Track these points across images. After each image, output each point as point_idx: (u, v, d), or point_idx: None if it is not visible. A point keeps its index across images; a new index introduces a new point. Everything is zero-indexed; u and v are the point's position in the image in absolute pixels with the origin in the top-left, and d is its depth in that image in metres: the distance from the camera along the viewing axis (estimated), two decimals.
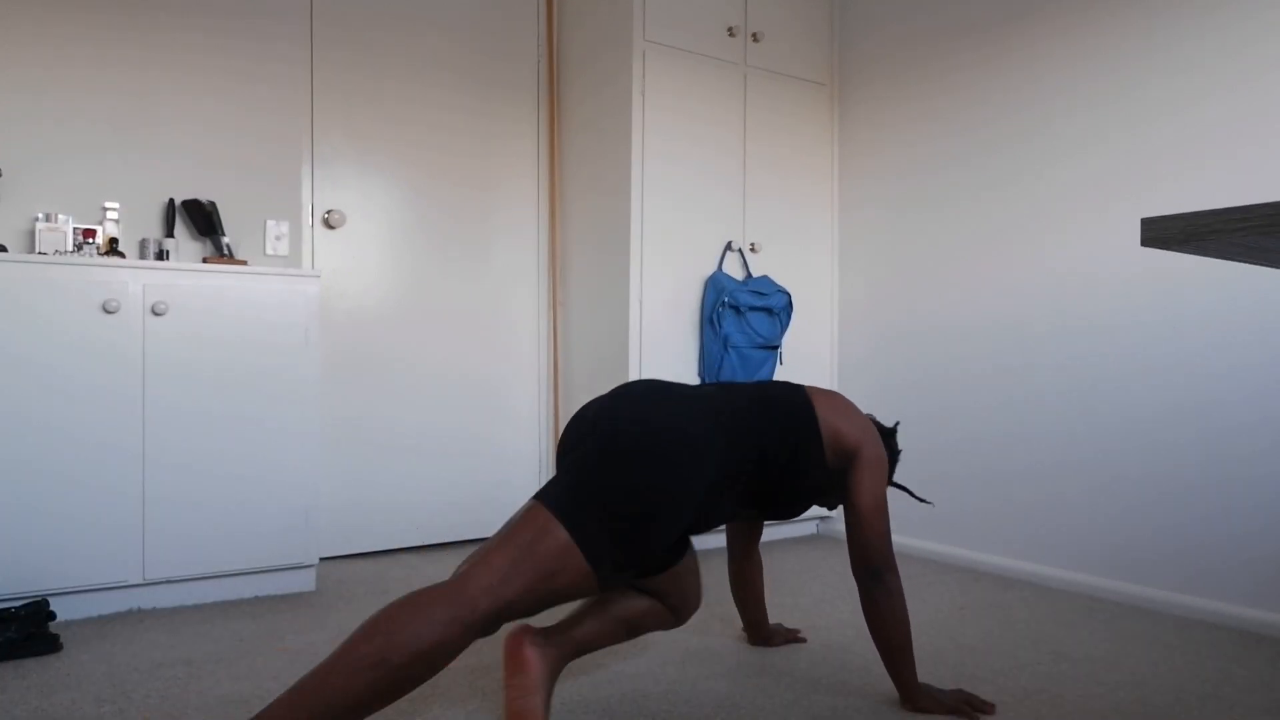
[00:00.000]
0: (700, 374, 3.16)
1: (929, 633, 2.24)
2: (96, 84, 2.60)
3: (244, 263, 2.59)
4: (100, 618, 2.29)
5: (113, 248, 2.48)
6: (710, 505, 1.61)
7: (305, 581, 2.59)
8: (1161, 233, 0.93)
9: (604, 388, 3.15)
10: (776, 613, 2.41)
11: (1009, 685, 1.87)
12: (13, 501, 2.18)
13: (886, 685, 1.86)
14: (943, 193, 3.11)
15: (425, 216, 3.21)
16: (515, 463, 3.39)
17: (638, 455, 1.47)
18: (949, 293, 3.08)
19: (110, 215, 2.52)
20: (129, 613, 2.34)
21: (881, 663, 1.99)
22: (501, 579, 1.37)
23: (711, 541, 3.30)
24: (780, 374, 3.35)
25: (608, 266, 3.13)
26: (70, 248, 2.43)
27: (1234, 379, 2.35)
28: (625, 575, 1.50)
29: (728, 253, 3.23)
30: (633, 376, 3.03)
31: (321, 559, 3.01)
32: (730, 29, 3.22)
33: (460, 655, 2.03)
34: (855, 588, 2.69)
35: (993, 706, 1.71)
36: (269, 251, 2.86)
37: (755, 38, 3.28)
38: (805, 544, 3.36)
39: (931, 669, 1.97)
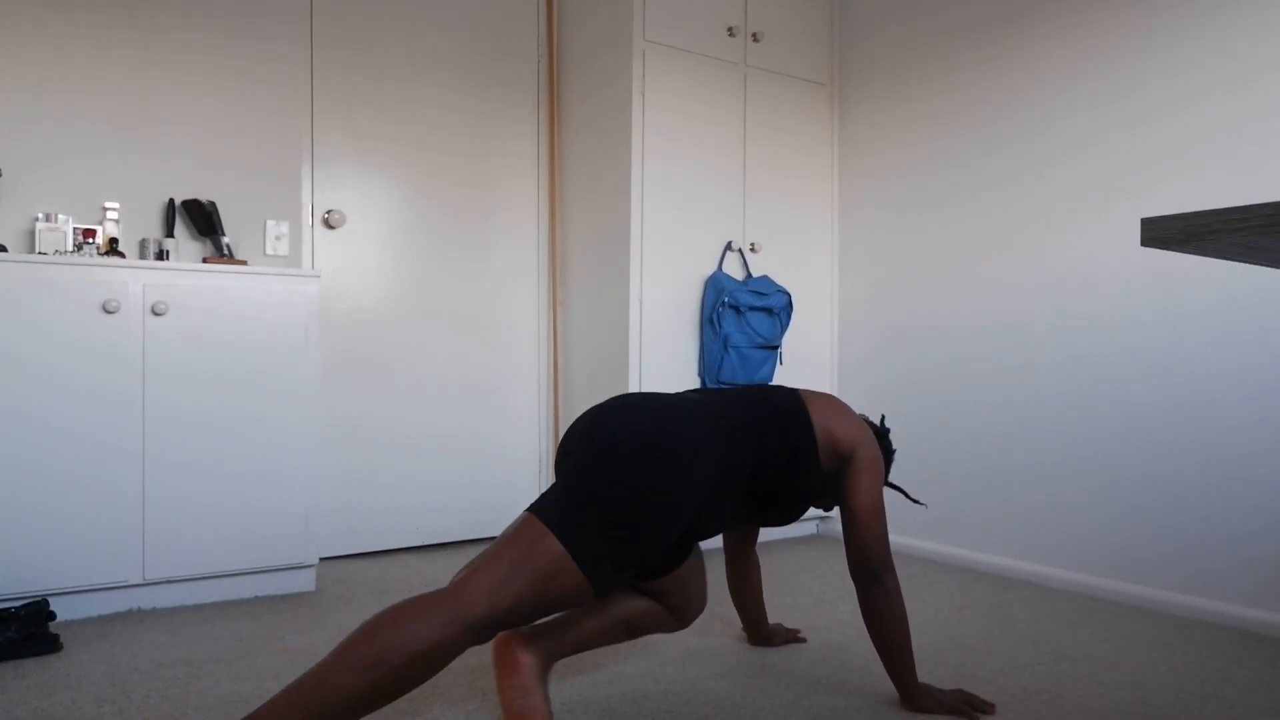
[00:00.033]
0: (700, 374, 3.16)
1: (929, 633, 2.24)
2: (96, 84, 2.60)
3: (244, 263, 2.59)
4: (100, 618, 2.29)
5: (113, 248, 2.48)
6: (711, 506, 1.61)
7: (305, 581, 2.59)
8: (1161, 233, 0.93)
9: (604, 388, 3.15)
10: (776, 613, 2.41)
11: (1009, 685, 1.87)
12: (13, 501, 2.18)
13: (886, 685, 1.86)
14: (943, 193, 3.11)
15: (425, 216, 3.21)
16: (515, 463, 3.39)
17: (638, 458, 1.47)
18: (949, 293, 3.08)
19: (110, 215, 2.52)
20: (129, 613, 2.34)
21: (881, 663, 1.99)
22: (499, 583, 1.37)
23: (714, 541, 3.30)
24: (780, 374, 3.35)
25: (608, 266, 3.13)
26: (70, 248, 2.43)
27: (1234, 379, 2.35)
28: (625, 576, 1.50)
29: (728, 253, 3.23)
30: (633, 377, 3.03)
31: (321, 559, 3.01)
32: (730, 29, 3.22)
33: (459, 656, 2.02)
34: (855, 588, 2.69)
35: (993, 706, 1.71)
36: (269, 251, 2.86)
37: (755, 38, 3.28)
38: (805, 544, 3.36)
39: (931, 669, 1.97)
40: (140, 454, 2.32)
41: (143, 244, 2.58)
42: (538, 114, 3.44)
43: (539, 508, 1.46)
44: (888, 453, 1.98)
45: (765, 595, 2.60)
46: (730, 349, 3.09)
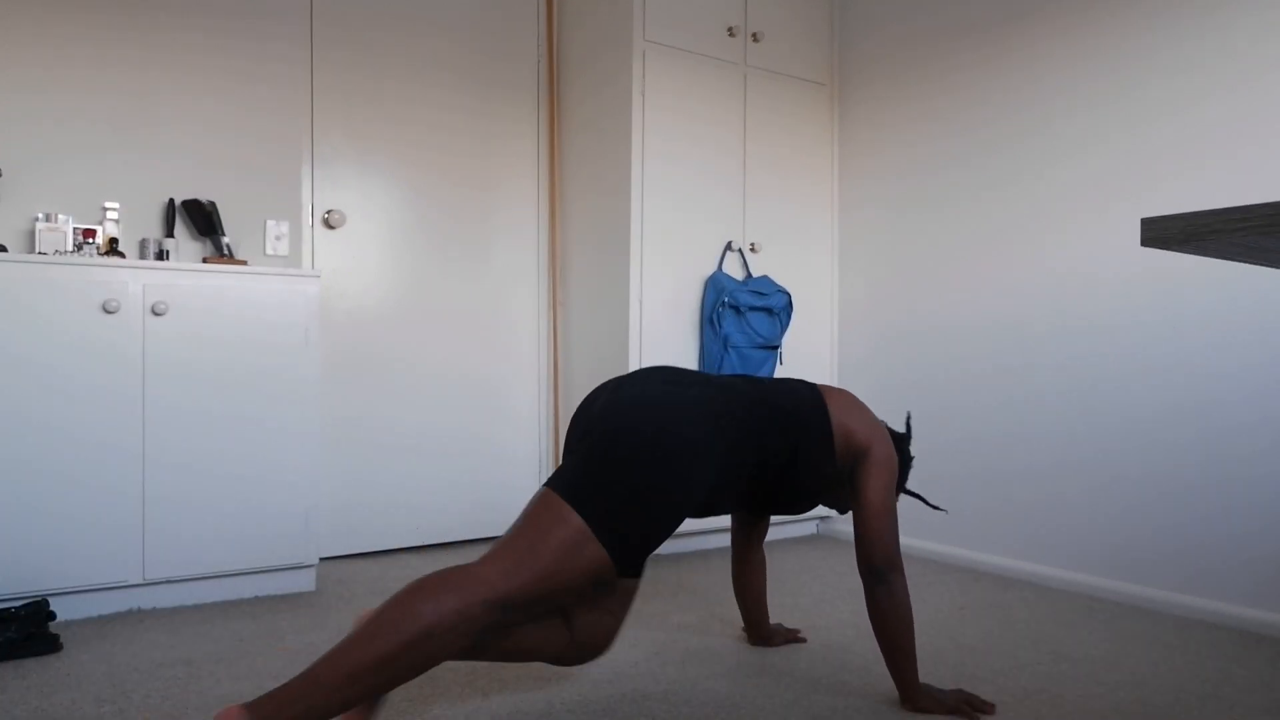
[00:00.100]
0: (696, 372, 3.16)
1: (929, 633, 2.24)
2: (96, 84, 2.60)
3: (244, 263, 2.59)
4: (100, 618, 2.29)
5: (113, 248, 2.48)
6: (710, 505, 1.65)
7: (305, 581, 2.59)
8: (1161, 233, 0.93)
9: None
10: (776, 613, 2.42)
11: (1009, 685, 1.87)
12: (13, 501, 2.18)
13: (886, 685, 1.86)
14: (943, 193, 3.11)
15: (425, 216, 3.21)
16: (515, 463, 3.39)
17: (639, 458, 1.47)
18: (949, 293, 3.08)
19: (110, 215, 2.52)
20: (129, 613, 2.34)
21: (882, 662, 1.99)
22: (519, 560, 1.39)
23: (713, 542, 3.30)
24: (780, 374, 3.35)
25: (608, 266, 3.13)
26: (70, 248, 2.43)
27: (1234, 379, 2.35)
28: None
29: (728, 253, 3.23)
30: None
31: (321, 559, 3.01)
32: (730, 29, 3.22)
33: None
34: (855, 588, 2.69)
35: (993, 706, 1.71)
36: (269, 251, 2.86)
37: (755, 38, 3.28)
38: (805, 544, 3.36)
39: (931, 669, 1.97)
40: (140, 454, 2.32)
41: (143, 244, 2.58)
42: (538, 114, 3.44)
43: (557, 483, 1.48)
44: (905, 458, 1.96)
45: (766, 595, 2.60)
46: (730, 349, 3.09)
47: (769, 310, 3.18)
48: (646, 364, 3.05)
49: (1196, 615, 2.39)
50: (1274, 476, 2.26)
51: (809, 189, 3.45)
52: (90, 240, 2.43)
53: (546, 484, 1.50)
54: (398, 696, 1.77)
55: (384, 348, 3.13)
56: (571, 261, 3.35)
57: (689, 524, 3.13)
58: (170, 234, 2.64)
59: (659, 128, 3.07)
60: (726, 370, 3.09)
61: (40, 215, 2.43)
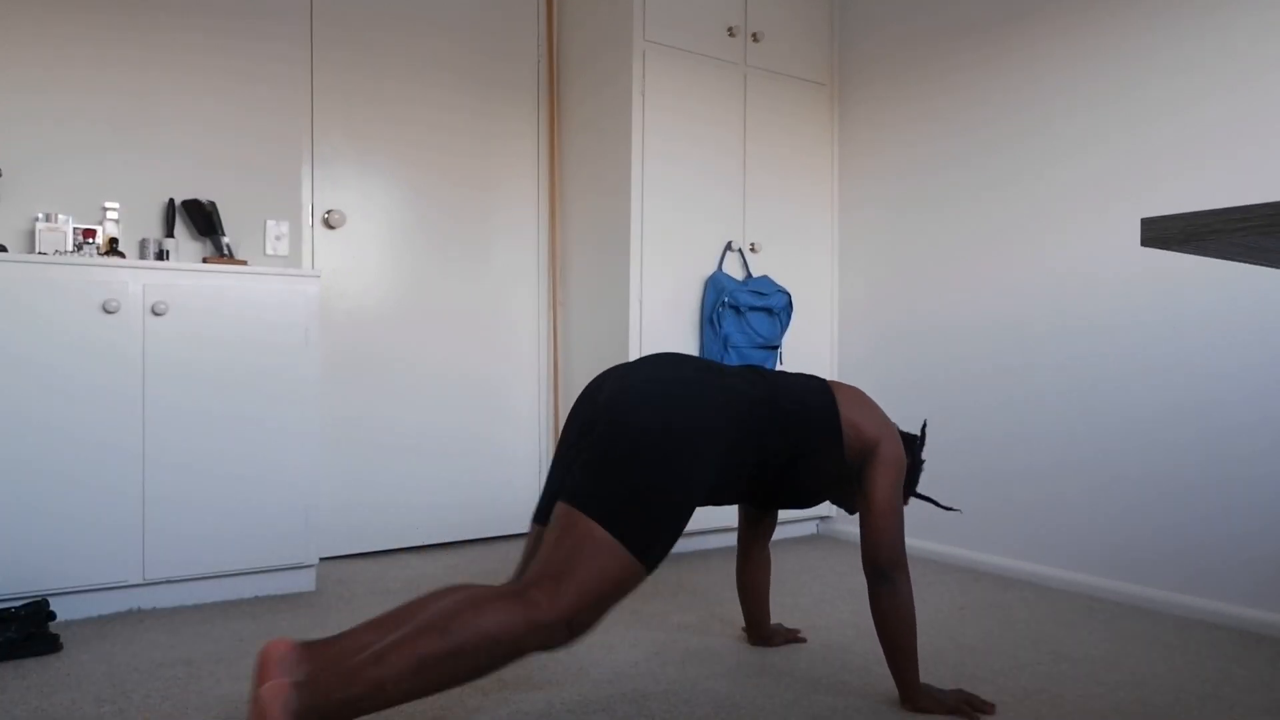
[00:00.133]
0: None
1: (929, 633, 2.24)
2: (96, 84, 2.60)
3: (244, 263, 2.59)
4: (100, 618, 2.29)
5: (113, 248, 2.48)
6: (711, 502, 1.65)
7: (305, 581, 2.59)
8: (1161, 233, 0.93)
9: None
10: (776, 613, 2.41)
11: (1009, 685, 1.87)
12: (13, 501, 2.18)
13: (886, 685, 1.86)
14: (943, 193, 3.11)
15: (425, 216, 3.21)
16: (515, 463, 3.39)
17: (640, 457, 1.47)
18: (949, 293, 3.08)
19: (110, 215, 2.52)
20: (129, 613, 2.34)
21: (882, 662, 1.99)
22: (559, 584, 1.40)
23: (714, 542, 3.30)
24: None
25: (608, 266, 3.13)
26: (70, 248, 2.43)
27: (1234, 379, 2.35)
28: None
29: (728, 253, 3.23)
30: None
31: (321, 559, 3.01)
32: (730, 29, 3.22)
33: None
34: (855, 588, 2.69)
35: (993, 706, 1.71)
36: (269, 251, 2.86)
37: (755, 38, 3.28)
38: (805, 544, 3.36)
39: (931, 669, 1.97)
40: (140, 454, 2.32)
41: (143, 244, 2.58)
42: (538, 114, 3.44)
43: (573, 498, 1.48)
44: (916, 461, 1.95)
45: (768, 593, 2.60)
46: (730, 349, 3.09)
47: (769, 310, 3.19)
48: None
49: (1196, 615, 2.39)
50: (1274, 476, 2.26)
51: (809, 189, 3.45)
52: (90, 240, 2.43)
53: (565, 499, 1.48)
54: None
55: (384, 348, 3.13)
56: (571, 261, 3.35)
57: (689, 524, 3.14)
58: (170, 234, 2.64)
59: (659, 128, 3.07)
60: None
61: (40, 215, 2.43)
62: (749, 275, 3.26)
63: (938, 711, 1.70)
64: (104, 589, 2.31)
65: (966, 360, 3.02)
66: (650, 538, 1.45)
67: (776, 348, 3.22)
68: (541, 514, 1.61)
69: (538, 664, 1.97)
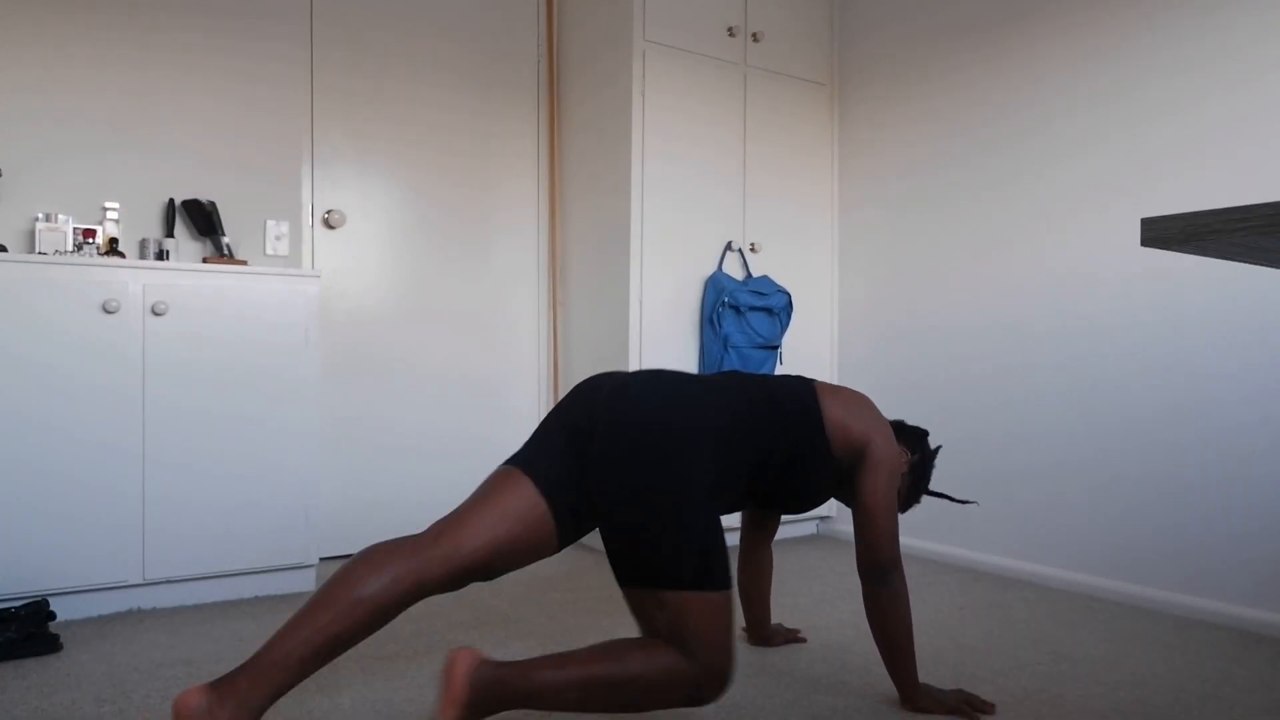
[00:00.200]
0: (700, 374, 3.16)
1: (929, 633, 2.24)
2: (96, 84, 2.60)
3: (244, 263, 2.59)
4: (100, 618, 2.29)
5: (113, 248, 2.48)
6: (715, 501, 1.64)
7: (305, 581, 2.59)
8: (1161, 233, 0.93)
9: None
10: (776, 613, 2.42)
11: (1009, 685, 1.87)
12: (13, 501, 2.18)
13: (886, 685, 1.86)
14: (943, 193, 3.11)
15: (425, 216, 3.21)
16: None
17: (640, 458, 1.47)
18: (949, 293, 3.08)
19: (110, 215, 2.52)
20: (129, 613, 2.34)
21: (882, 662, 1.99)
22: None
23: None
24: (781, 374, 3.35)
25: (608, 266, 3.13)
26: (70, 248, 2.43)
27: (1234, 379, 2.35)
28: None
29: (728, 253, 3.23)
30: None
31: (321, 559, 3.01)
32: (730, 29, 3.22)
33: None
34: (855, 588, 2.69)
35: (993, 706, 1.71)
36: (269, 251, 2.86)
37: (755, 38, 3.28)
38: (805, 544, 3.36)
39: (931, 669, 1.97)
40: (140, 454, 2.32)
41: (143, 244, 2.59)
42: (538, 114, 3.45)
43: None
44: (926, 456, 1.94)
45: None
46: (730, 349, 3.09)
47: (769, 310, 3.19)
48: (647, 364, 3.05)
49: (1196, 615, 2.39)
50: (1274, 476, 2.26)
51: (809, 189, 3.45)
52: (90, 240, 2.43)
53: (631, 585, 1.48)
54: (404, 696, 1.77)
55: (384, 348, 3.13)
56: (571, 261, 3.35)
57: None
58: (170, 234, 2.64)
59: (659, 128, 3.07)
60: (727, 370, 3.09)
61: (40, 215, 2.43)
62: (749, 275, 3.26)
63: (938, 711, 1.70)
64: (104, 589, 2.31)
65: (966, 360, 3.02)
66: (711, 565, 1.46)
67: (776, 348, 3.22)
68: (517, 461, 1.58)
69: None
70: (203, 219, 2.68)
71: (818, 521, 3.57)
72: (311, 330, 2.55)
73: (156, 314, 2.34)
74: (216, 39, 2.77)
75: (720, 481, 1.58)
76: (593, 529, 1.63)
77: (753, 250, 3.28)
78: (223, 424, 2.43)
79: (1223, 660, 2.05)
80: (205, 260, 2.63)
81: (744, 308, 3.12)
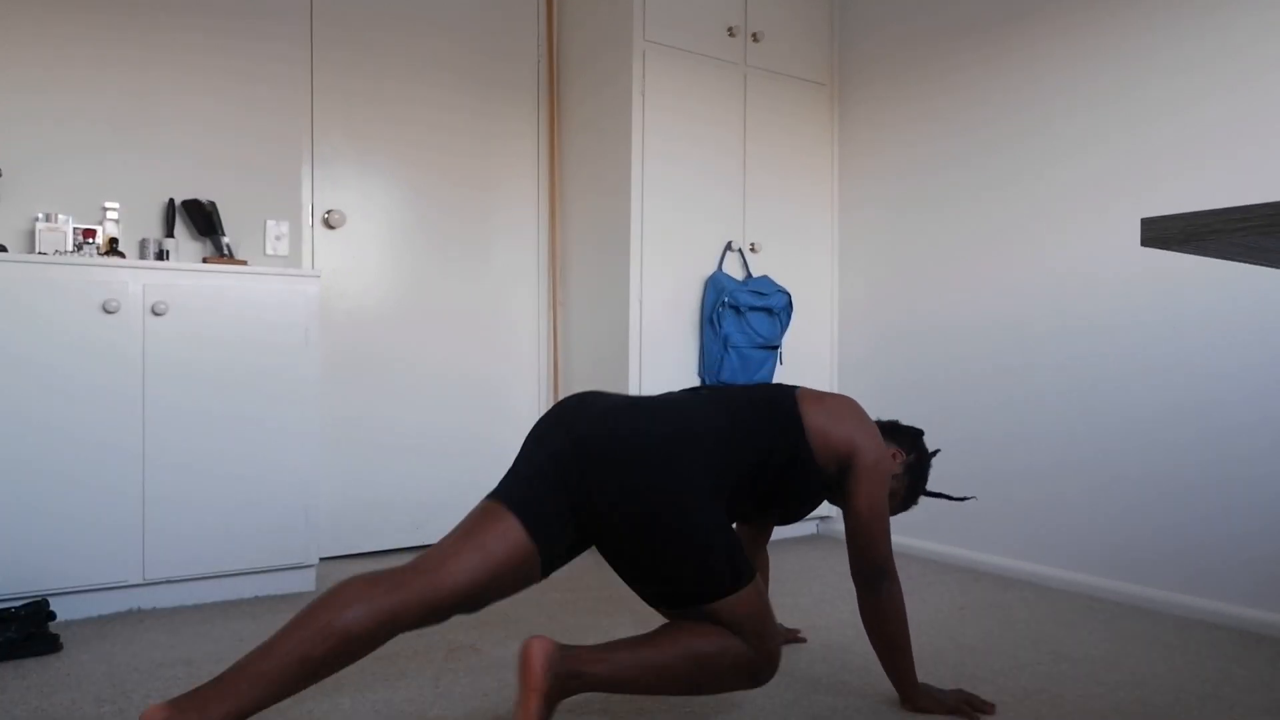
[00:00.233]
0: (700, 374, 3.16)
1: (929, 633, 2.24)
2: (96, 84, 2.60)
3: (244, 263, 2.59)
4: (100, 618, 2.29)
5: (113, 248, 2.48)
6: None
7: (305, 581, 2.59)
8: (1161, 233, 0.93)
9: (604, 388, 3.15)
10: (777, 613, 2.42)
11: (1009, 685, 1.87)
12: (13, 501, 2.18)
13: (886, 685, 1.86)
14: (943, 193, 3.11)
15: (425, 216, 3.21)
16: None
17: (635, 462, 1.47)
18: (949, 293, 3.08)
19: (110, 215, 2.52)
20: (129, 613, 2.34)
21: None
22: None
23: None
24: (780, 374, 3.35)
25: (608, 266, 3.13)
26: (70, 248, 2.43)
27: (1234, 379, 2.35)
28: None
29: (728, 253, 3.23)
30: (633, 377, 3.03)
31: (321, 559, 3.01)
32: (730, 29, 3.22)
33: (464, 657, 2.03)
34: (854, 588, 2.69)
35: (993, 706, 1.71)
36: (269, 251, 2.86)
37: (755, 38, 3.28)
38: (805, 544, 3.36)
39: (931, 669, 1.97)
40: (140, 454, 2.32)
41: (143, 244, 2.59)
42: (538, 114, 3.44)
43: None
44: (923, 457, 1.92)
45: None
46: (730, 349, 3.09)
47: (769, 310, 3.19)
48: (647, 364, 3.05)
49: (1196, 615, 2.39)
50: (1274, 476, 2.26)
51: (809, 189, 3.45)
52: (90, 240, 2.43)
53: (666, 606, 1.53)
54: (403, 696, 1.77)
55: (384, 348, 3.13)
56: (571, 261, 3.35)
57: None
58: (170, 234, 2.64)
59: (659, 128, 3.07)
60: (727, 370, 3.09)
61: (40, 215, 2.43)
62: (749, 275, 3.26)
63: (938, 711, 1.70)
64: (104, 589, 2.31)
65: (966, 360, 3.02)
66: (737, 564, 1.51)
67: (776, 348, 3.22)
68: (501, 495, 1.53)
69: None
70: (203, 219, 2.68)
71: (818, 521, 3.57)
72: (311, 330, 2.55)
73: (156, 314, 2.34)
74: (216, 39, 2.77)
75: (720, 482, 1.57)
76: (582, 552, 1.62)
77: (753, 250, 3.28)
78: (223, 424, 2.43)
79: (1223, 660, 2.05)
80: (205, 260, 2.63)
81: (744, 308, 3.12)
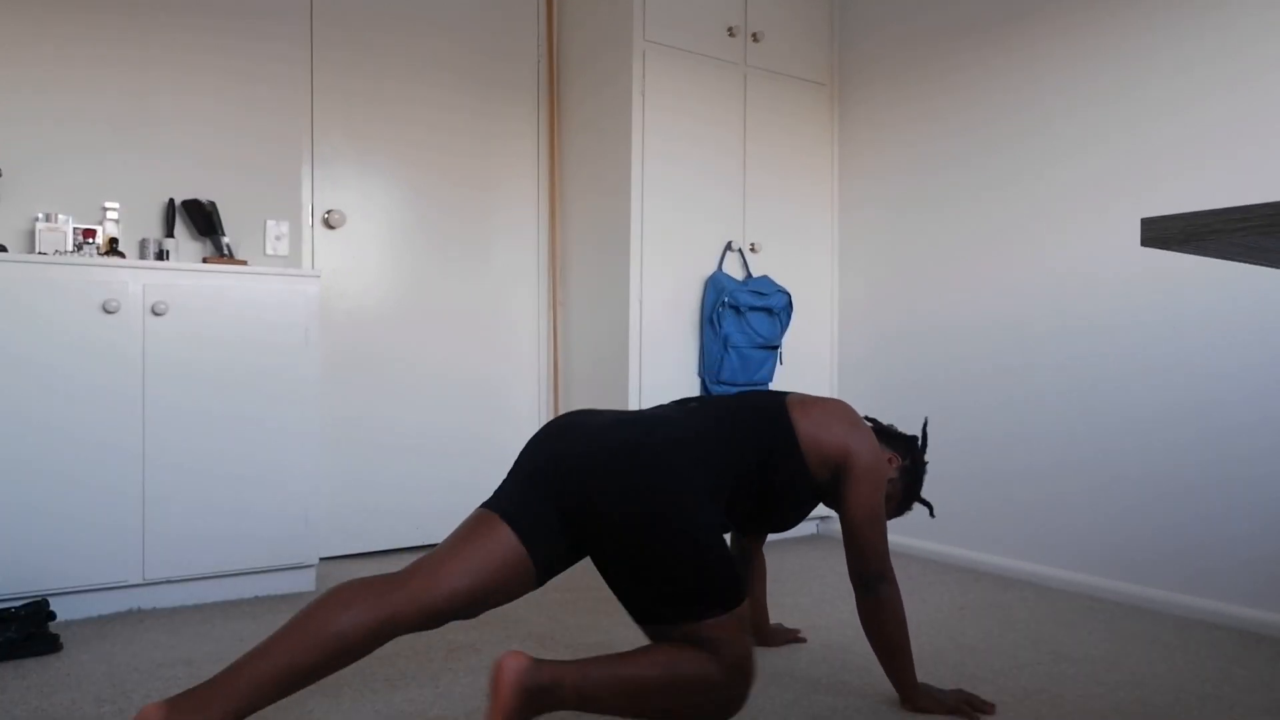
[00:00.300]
0: (700, 374, 3.16)
1: (929, 633, 2.24)
2: (96, 84, 2.60)
3: (244, 263, 2.59)
4: (100, 618, 2.29)
5: (113, 248, 2.48)
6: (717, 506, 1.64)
7: (305, 581, 2.59)
8: (1161, 233, 0.93)
9: (604, 388, 3.15)
10: (776, 613, 2.41)
11: (1009, 685, 1.87)
12: (13, 501, 2.18)
13: (886, 685, 1.86)
14: (943, 193, 3.11)
15: (425, 216, 3.21)
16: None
17: (631, 467, 1.46)
18: (949, 293, 3.08)
19: (110, 215, 2.52)
20: (129, 613, 2.34)
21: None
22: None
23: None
24: (780, 374, 3.36)
25: (608, 266, 3.13)
26: (70, 248, 2.43)
27: (1234, 379, 2.35)
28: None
29: (728, 253, 3.23)
30: (633, 377, 3.03)
31: (321, 559, 3.01)
32: (730, 29, 3.22)
33: (464, 657, 2.03)
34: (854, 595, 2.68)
35: (993, 706, 1.71)
36: (269, 251, 2.86)
37: (755, 38, 3.28)
38: (805, 544, 3.36)
39: (931, 669, 1.97)
40: (140, 454, 2.32)
41: (143, 244, 2.59)
42: (538, 114, 3.44)
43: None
44: (918, 464, 1.92)
45: (766, 595, 2.59)
46: (730, 349, 3.09)
47: (769, 310, 3.19)
48: (647, 364, 3.05)
49: (1196, 615, 2.39)
50: (1274, 476, 2.26)
51: (809, 189, 3.45)
52: (90, 240, 2.43)
53: (646, 624, 1.48)
54: (403, 696, 1.77)
55: (384, 348, 3.13)
56: (571, 261, 3.35)
57: None
58: (170, 234, 2.64)
59: (659, 128, 3.07)
60: (727, 370, 3.09)
61: (40, 215, 2.43)
62: (749, 275, 3.26)
63: (938, 711, 1.70)
64: (104, 589, 2.31)
65: (966, 360, 3.02)
66: (728, 581, 1.46)
67: (776, 348, 3.22)
68: (493, 506, 1.54)
69: None
70: (203, 219, 2.68)
71: (818, 522, 3.57)
72: (311, 330, 2.55)
73: (156, 314, 2.34)
74: (216, 39, 2.77)
75: (720, 482, 1.58)
76: (575, 563, 1.60)
77: (753, 250, 3.28)
78: (223, 424, 2.43)
79: (1223, 660, 2.05)
80: (205, 260, 2.63)
81: (744, 308, 3.12)
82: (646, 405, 3.06)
